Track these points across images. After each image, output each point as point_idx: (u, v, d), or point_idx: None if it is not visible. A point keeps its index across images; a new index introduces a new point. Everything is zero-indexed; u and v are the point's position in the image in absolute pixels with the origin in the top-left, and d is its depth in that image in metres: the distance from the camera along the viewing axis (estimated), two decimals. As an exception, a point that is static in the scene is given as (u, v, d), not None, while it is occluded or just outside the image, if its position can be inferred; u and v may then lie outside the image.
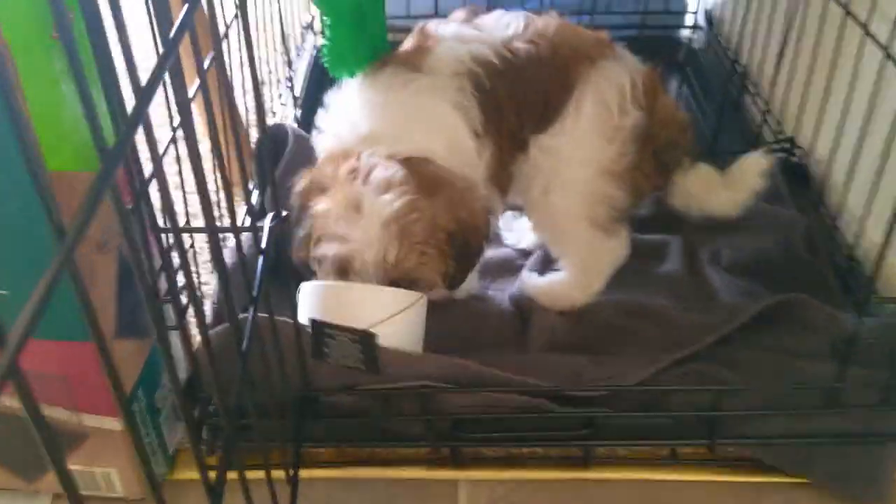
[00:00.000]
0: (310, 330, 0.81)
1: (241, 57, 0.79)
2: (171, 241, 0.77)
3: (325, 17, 0.94)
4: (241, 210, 0.86)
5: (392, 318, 0.84)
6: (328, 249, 0.86)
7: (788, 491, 0.91)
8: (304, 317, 0.86)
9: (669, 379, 0.90)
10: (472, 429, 0.89)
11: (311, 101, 1.51)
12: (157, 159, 0.49)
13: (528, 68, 0.97)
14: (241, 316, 0.79)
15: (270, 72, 1.47)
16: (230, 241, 0.95)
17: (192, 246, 0.96)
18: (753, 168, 1.05)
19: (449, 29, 0.99)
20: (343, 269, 0.87)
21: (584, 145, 0.98)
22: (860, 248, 1.06)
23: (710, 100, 1.55)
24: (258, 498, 0.68)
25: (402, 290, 0.87)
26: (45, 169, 0.33)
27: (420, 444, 0.89)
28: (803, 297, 0.99)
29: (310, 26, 1.70)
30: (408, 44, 1.00)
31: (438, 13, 1.65)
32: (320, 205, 0.87)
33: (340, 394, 0.85)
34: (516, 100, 0.97)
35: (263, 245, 0.68)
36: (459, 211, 0.88)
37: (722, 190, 1.06)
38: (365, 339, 0.79)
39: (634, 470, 0.93)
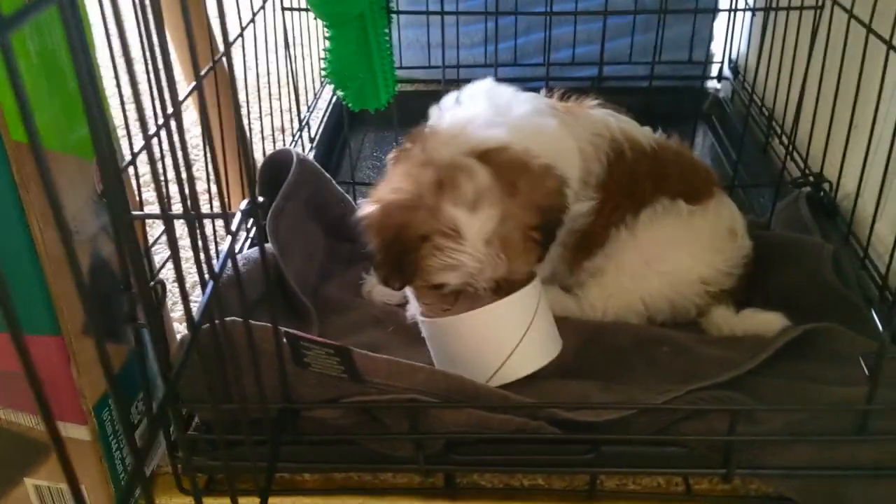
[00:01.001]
0: (285, 340, 0.76)
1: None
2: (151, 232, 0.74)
3: (326, 29, 0.93)
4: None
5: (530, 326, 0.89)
6: (447, 278, 0.87)
7: (819, 533, 0.82)
8: (441, 359, 0.92)
9: (681, 403, 0.83)
10: (467, 453, 0.83)
11: (326, 146, 1.51)
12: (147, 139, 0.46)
13: (671, 163, 1.04)
14: (228, 319, 0.75)
15: (292, 120, 1.48)
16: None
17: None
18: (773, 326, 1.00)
19: (603, 110, 1.05)
20: (459, 291, 0.89)
21: (705, 236, 1.02)
22: (893, 278, 0.99)
23: (736, 148, 1.50)
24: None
25: (523, 293, 0.89)
26: None
27: (410, 466, 0.82)
28: (832, 326, 0.92)
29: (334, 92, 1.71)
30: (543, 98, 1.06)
31: (460, 63, 1.65)
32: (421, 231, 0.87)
33: (322, 408, 0.79)
34: (657, 176, 1.02)
35: (234, 227, 0.65)
36: (538, 198, 0.88)
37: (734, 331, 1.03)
38: (341, 352, 0.73)
39: (645, 505, 0.85)
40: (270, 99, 1.43)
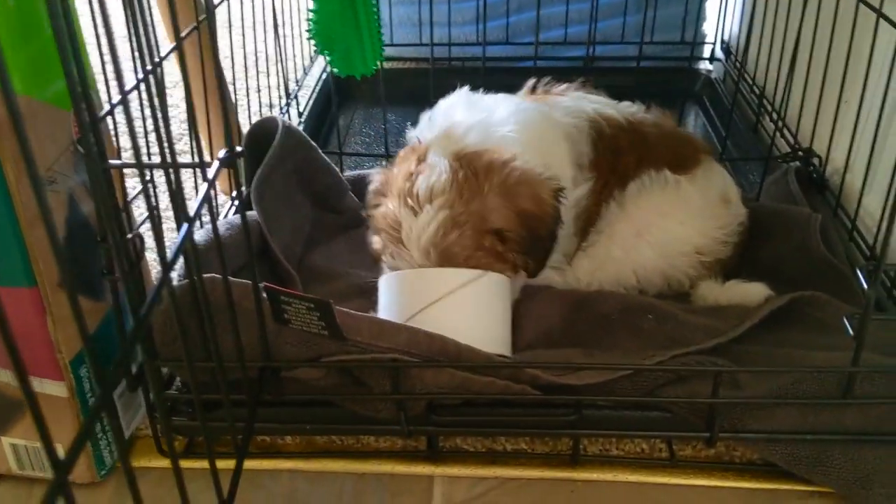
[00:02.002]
0: (265, 295, 0.75)
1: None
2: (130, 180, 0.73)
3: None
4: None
5: (454, 292, 0.84)
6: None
7: (804, 499, 0.81)
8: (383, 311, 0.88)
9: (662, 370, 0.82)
10: (450, 415, 0.82)
11: (314, 121, 1.50)
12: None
13: (652, 135, 1.03)
14: (207, 276, 0.74)
15: (281, 97, 1.47)
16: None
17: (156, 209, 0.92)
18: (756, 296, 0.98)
19: (575, 92, 1.06)
20: None
21: (696, 203, 1.00)
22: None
23: (727, 128, 1.50)
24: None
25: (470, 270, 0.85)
26: None
27: (392, 428, 0.81)
28: (818, 294, 0.92)
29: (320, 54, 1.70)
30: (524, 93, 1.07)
31: (451, 41, 1.65)
32: (378, 212, 0.90)
33: (303, 367, 0.78)
34: (640, 150, 1.01)
35: (210, 175, 0.64)
36: (519, 201, 0.85)
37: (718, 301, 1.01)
38: (321, 306, 0.72)
39: (628, 471, 0.84)
40: (258, 76, 1.42)
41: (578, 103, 1.02)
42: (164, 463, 0.85)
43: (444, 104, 1.00)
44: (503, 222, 0.85)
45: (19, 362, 0.38)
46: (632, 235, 1.00)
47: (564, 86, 1.06)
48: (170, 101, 1.58)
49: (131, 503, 0.80)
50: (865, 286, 0.71)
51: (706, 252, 1.01)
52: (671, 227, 1.00)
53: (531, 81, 1.07)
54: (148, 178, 0.76)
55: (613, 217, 1.01)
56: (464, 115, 0.95)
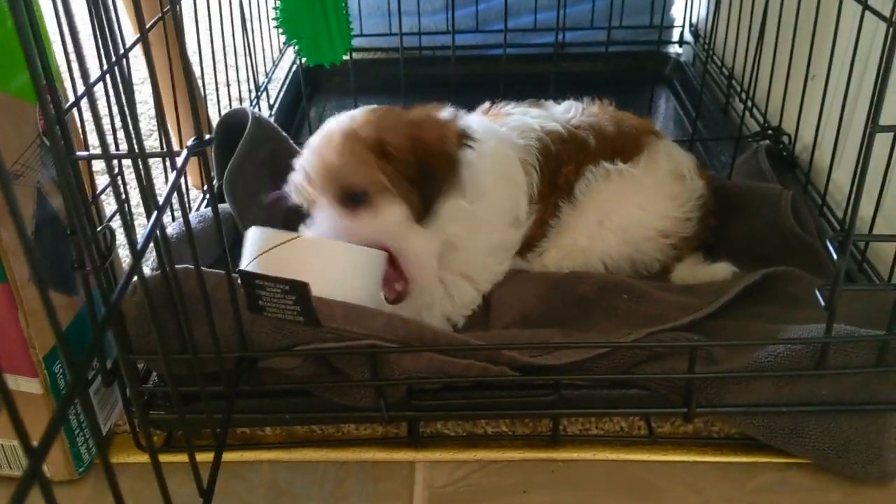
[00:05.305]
0: (239, 282, 0.74)
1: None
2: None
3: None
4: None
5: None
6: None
7: (782, 470, 0.82)
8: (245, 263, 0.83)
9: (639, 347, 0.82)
10: (430, 400, 0.82)
11: (286, 114, 1.49)
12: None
13: (589, 139, 1.03)
14: (180, 267, 0.74)
15: (251, 90, 1.45)
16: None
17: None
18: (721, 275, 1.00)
19: (518, 108, 1.07)
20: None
21: (647, 186, 1.01)
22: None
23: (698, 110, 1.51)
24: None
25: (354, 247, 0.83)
26: None
27: (372, 415, 0.81)
28: (790, 269, 0.93)
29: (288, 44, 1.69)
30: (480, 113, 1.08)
31: (421, 30, 1.64)
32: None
33: (280, 356, 0.78)
34: (580, 157, 1.02)
35: (179, 164, 0.63)
36: (418, 131, 0.89)
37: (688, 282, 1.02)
38: (296, 288, 0.72)
39: (608, 449, 0.84)
40: (227, 70, 1.41)
41: (524, 120, 1.03)
42: (143, 458, 0.84)
43: None
44: (393, 140, 0.88)
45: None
46: (594, 224, 1.01)
47: (511, 104, 1.08)
48: (138, 97, 1.57)
49: (110, 499, 0.80)
50: (836, 257, 0.71)
51: (671, 233, 1.01)
52: (631, 211, 1.00)
53: (486, 104, 1.09)
54: (116, 170, 0.76)
55: (570, 216, 1.01)
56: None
